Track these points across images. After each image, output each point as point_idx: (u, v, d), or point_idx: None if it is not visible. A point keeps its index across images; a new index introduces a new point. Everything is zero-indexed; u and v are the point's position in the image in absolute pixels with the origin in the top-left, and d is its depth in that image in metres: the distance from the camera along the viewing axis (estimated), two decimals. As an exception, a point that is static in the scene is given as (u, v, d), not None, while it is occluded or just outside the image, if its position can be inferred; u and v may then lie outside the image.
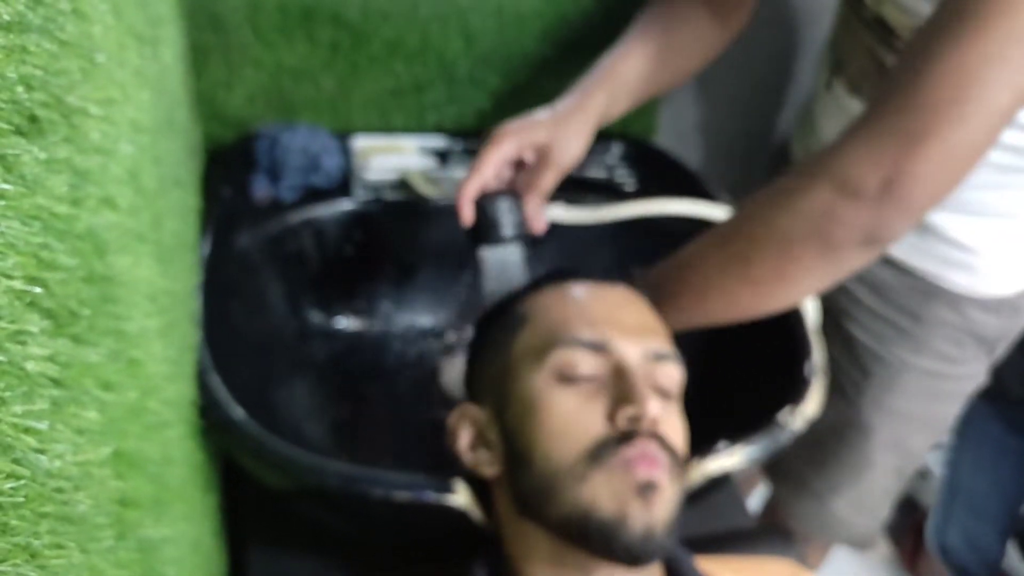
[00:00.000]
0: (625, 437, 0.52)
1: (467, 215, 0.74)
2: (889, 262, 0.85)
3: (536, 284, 0.63)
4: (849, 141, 0.60)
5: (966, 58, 0.55)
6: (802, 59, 1.16)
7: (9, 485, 0.24)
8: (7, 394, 0.24)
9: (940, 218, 0.80)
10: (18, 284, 0.26)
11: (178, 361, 0.55)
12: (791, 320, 0.74)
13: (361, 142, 0.91)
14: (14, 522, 0.24)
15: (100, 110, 0.36)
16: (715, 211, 0.85)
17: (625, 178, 0.98)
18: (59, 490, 0.28)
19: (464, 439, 0.59)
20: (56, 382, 0.29)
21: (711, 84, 1.14)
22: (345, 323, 0.92)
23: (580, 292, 0.60)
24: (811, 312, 0.76)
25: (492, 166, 0.74)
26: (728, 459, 0.64)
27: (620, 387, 0.53)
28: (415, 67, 0.94)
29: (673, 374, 0.57)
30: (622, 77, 0.80)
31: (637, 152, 1.01)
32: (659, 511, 0.50)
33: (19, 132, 0.27)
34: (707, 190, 0.93)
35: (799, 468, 1.01)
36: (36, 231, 0.27)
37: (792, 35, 1.14)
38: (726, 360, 0.78)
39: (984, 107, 0.56)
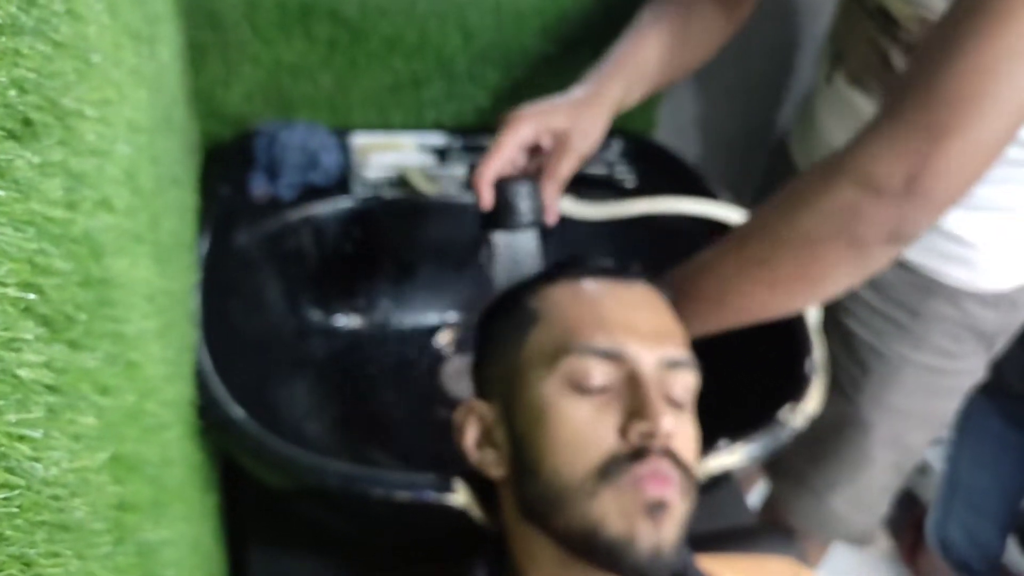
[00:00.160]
0: (637, 454, 0.50)
1: (487, 198, 0.72)
2: (888, 258, 0.84)
3: (549, 275, 0.60)
4: (871, 138, 0.60)
5: (988, 53, 0.55)
6: (802, 54, 1.15)
7: (3, 495, 0.24)
8: (0, 403, 0.24)
9: (940, 213, 0.79)
10: (12, 291, 0.25)
11: (177, 362, 0.55)
12: (792, 317, 0.74)
13: (360, 139, 0.91)
14: (8, 532, 0.24)
15: (96, 111, 0.36)
16: (725, 212, 0.85)
17: (625, 174, 0.97)
18: (55, 497, 0.27)
19: (470, 436, 0.58)
20: (51, 388, 0.28)
21: (711, 80, 1.14)
22: (344, 321, 0.92)
23: (595, 290, 0.58)
24: (812, 310, 0.76)
25: (511, 149, 0.72)
26: (729, 457, 0.64)
27: (634, 399, 0.52)
28: (413, 64, 0.94)
29: (688, 382, 0.55)
30: (638, 66, 0.79)
31: (637, 148, 1.01)
32: (668, 531, 0.50)
33: (12, 136, 0.27)
34: (706, 186, 0.93)
35: (798, 465, 1.01)
36: (30, 237, 0.27)
37: (792, 30, 1.13)
38: (727, 358, 0.78)
39: (1006, 102, 0.55)
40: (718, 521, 0.78)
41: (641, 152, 1.01)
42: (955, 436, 1.41)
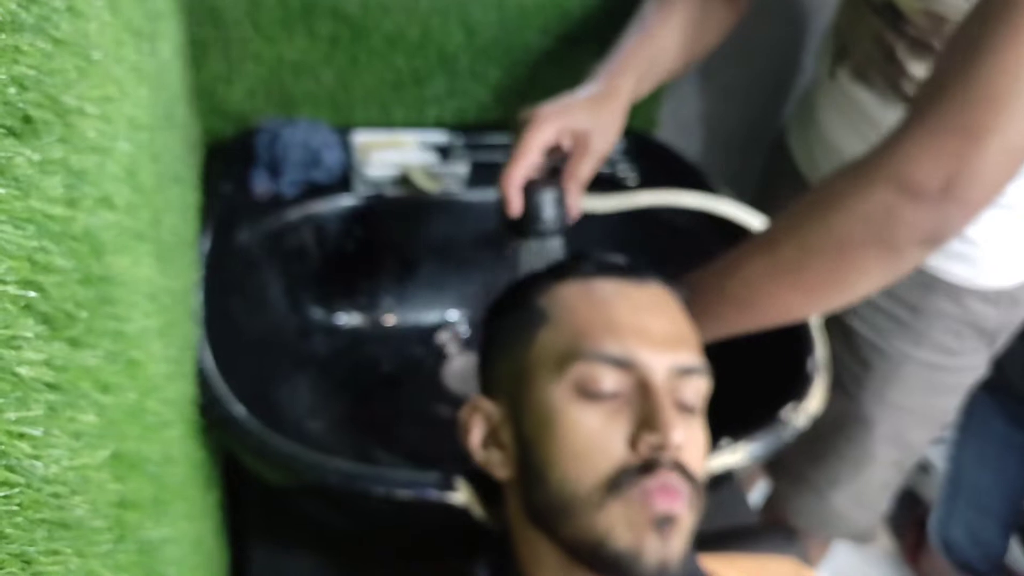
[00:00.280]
0: (646, 467, 0.49)
1: (516, 205, 0.70)
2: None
3: (558, 272, 0.58)
4: (905, 140, 0.59)
5: (1021, 50, 0.54)
6: (803, 51, 1.15)
7: (3, 493, 0.24)
8: (0, 400, 0.24)
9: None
10: (12, 289, 0.25)
11: (178, 359, 0.55)
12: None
13: (362, 137, 0.91)
14: (8, 530, 0.24)
15: (96, 108, 0.36)
16: (727, 208, 0.84)
17: (627, 172, 0.97)
18: (55, 495, 0.27)
19: (476, 435, 0.57)
20: (52, 386, 0.28)
21: (713, 78, 1.13)
22: (346, 319, 0.92)
23: (606, 291, 0.56)
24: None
25: (536, 152, 0.71)
26: (731, 456, 0.64)
27: (644, 409, 0.51)
28: (415, 61, 0.94)
29: (700, 387, 0.54)
30: (648, 59, 0.78)
31: (639, 146, 1.01)
32: (676, 544, 0.49)
33: (12, 134, 0.26)
34: (708, 184, 0.93)
35: (799, 463, 1.01)
36: (30, 234, 0.27)
37: (793, 27, 1.13)
38: (729, 356, 0.78)
39: None
40: (720, 520, 0.78)
41: (643, 150, 1.01)
42: (957, 435, 1.40)
